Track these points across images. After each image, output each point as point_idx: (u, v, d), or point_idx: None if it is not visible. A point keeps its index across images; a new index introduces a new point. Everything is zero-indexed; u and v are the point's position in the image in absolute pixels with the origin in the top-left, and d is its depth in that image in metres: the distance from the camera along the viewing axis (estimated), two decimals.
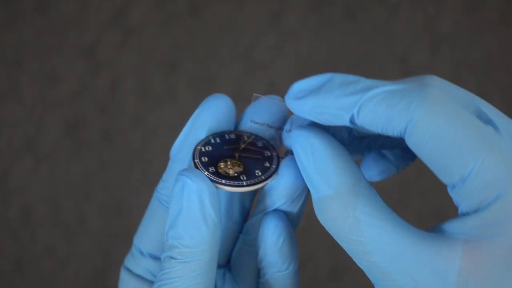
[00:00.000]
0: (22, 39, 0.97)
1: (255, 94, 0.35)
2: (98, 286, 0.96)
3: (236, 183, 0.33)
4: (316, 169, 0.31)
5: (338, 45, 0.98)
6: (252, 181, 0.33)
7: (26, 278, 0.96)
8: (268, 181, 0.33)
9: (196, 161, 0.33)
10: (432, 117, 0.28)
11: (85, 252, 0.96)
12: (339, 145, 0.31)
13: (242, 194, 0.36)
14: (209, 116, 0.35)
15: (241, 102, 1.05)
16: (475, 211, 0.28)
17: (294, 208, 0.35)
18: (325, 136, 0.31)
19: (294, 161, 0.34)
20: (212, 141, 0.35)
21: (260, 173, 0.34)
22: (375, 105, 0.29)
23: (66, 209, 0.96)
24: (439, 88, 0.29)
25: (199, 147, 0.34)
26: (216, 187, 0.32)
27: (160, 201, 0.36)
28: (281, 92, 1.03)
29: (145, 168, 0.96)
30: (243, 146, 0.35)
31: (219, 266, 0.38)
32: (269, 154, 0.35)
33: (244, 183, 0.33)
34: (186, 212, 0.32)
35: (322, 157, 0.31)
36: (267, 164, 0.34)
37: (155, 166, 0.96)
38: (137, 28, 0.97)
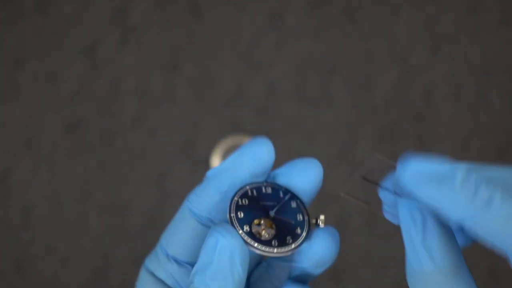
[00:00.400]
0: (22, 38, 0.97)
1: (376, 155, 0.36)
2: (98, 286, 0.96)
3: (267, 249, 0.34)
4: (424, 243, 0.31)
5: (338, 44, 0.98)
6: (282, 249, 0.34)
7: (26, 278, 0.96)
8: (297, 249, 0.35)
9: (232, 215, 0.35)
10: None
11: (85, 252, 0.96)
12: (446, 225, 0.32)
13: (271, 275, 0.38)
14: (252, 158, 0.36)
15: (241, 102, 1.06)
16: None
17: (318, 271, 0.36)
18: (433, 213, 0.32)
19: (327, 231, 0.35)
20: (249, 193, 0.35)
21: (290, 241, 0.35)
22: (493, 221, 0.29)
23: (66, 209, 0.96)
24: None
25: (236, 199, 0.35)
26: (249, 248, 0.34)
27: (191, 211, 0.36)
28: (282, 91, 1.03)
29: (145, 168, 0.95)
30: (276, 209, 0.36)
31: None
32: (301, 218, 0.36)
33: (274, 250, 0.34)
34: (216, 266, 0.33)
35: (433, 232, 0.31)
36: (298, 231, 0.35)
37: (155, 166, 0.95)
38: (137, 28, 0.97)
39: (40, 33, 0.97)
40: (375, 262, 0.95)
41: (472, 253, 0.93)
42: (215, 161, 0.96)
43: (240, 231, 0.34)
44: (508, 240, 0.29)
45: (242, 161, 0.36)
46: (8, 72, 0.97)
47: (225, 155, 0.97)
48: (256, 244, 0.34)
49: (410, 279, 0.31)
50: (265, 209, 0.35)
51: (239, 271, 0.33)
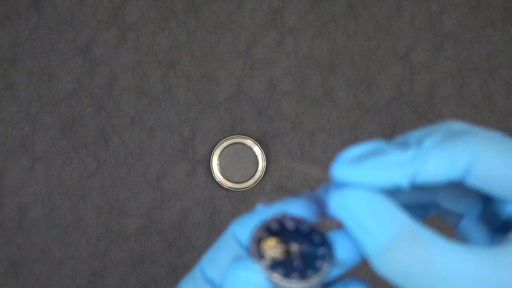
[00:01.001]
0: (17, 36, 0.97)
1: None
2: None
3: (290, 277, 0.33)
4: (372, 217, 0.30)
5: (339, 42, 0.97)
6: (305, 281, 0.33)
7: (21, 281, 0.96)
8: (322, 279, 0.33)
9: (253, 246, 0.34)
10: (490, 142, 0.30)
11: (82, 253, 0.96)
12: (383, 195, 0.32)
13: None
14: (300, 210, 0.36)
15: (241, 101, 1.05)
16: None
17: None
18: (367, 189, 0.32)
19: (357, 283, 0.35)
20: (273, 227, 0.34)
21: (314, 273, 0.33)
22: (437, 155, 0.30)
23: (62, 210, 0.96)
24: (467, 124, 0.32)
25: (261, 227, 0.34)
26: (271, 282, 0.33)
27: (235, 236, 0.36)
28: (282, 89, 1.02)
29: (143, 168, 0.95)
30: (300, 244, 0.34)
31: None
32: (325, 258, 0.34)
33: (293, 281, 0.33)
34: None
35: (377, 203, 0.31)
36: (322, 266, 0.34)
37: (152, 166, 0.95)
38: (134, 26, 0.97)
39: (35, 31, 0.96)
40: None
41: None
42: (215, 162, 0.95)
43: (263, 264, 0.33)
44: (452, 166, 0.30)
45: (292, 207, 0.35)
46: (3, 71, 0.96)
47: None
48: (275, 275, 0.33)
49: (378, 263, 0.30)
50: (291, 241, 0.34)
51: None
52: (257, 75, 0.96)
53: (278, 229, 0.34)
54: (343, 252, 0.34)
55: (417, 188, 0.34)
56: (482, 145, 0.30)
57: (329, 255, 0.33)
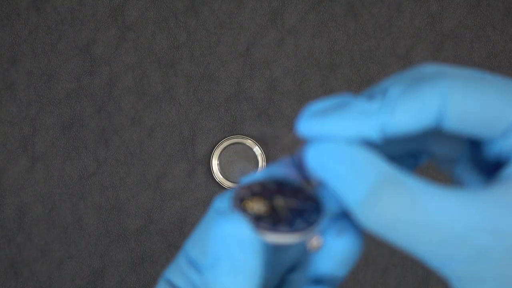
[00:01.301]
0: (17, 37, 0.97)
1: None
2: None
3: (275, 228, 0.31)
4: (348, 168, 0.29)
5: (339, 42, 0.97)
6: (292, 230, 0.31)
7: (21, 280, 0.96)
8: (313, 231, 0.31)
9: (236, 202, 0.32)
10: (460, 82, 0.29)
11: (82, 253, 0.96)
12: (361, 145, 0.31)
13: (282, 260, 0.35)
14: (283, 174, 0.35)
15: (241, 100, 1.04)
16: None
17: (342, 272, 0.34)
18: (342, 141, 0.31)
19: (348, 223, 0.33)
20: (256, 188, 0.33)
21: (303, 225, 0.32)
22: (404, 102, 0.29)
23: (62, 210, 0.96)
24: (437, 65, 0.30)
25: (245, 185, 0.32)
26: (259, 235, 0.31)
27: (218, 212, 0.35)
28: (282, 89, 1.02)
29: (142, 168, 0.95)
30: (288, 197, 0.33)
31: None
32: (314, 209, 0.33)
33: (284, 229, 0.31)
34: (225, 259, 0.31)
35: (353, 154, 0.30)
36: (311, 217, 0.32)
37: (152, 166, 0.95)
38: (134, 26, 0.97)
39: (35, 31, 0.96)
40: (377, 265, 0.95)
41: None
42: (215, 161, 0.95)
43: (247, 217, 0.31)
44: (423, 109, 0.29)
45: (274, 172, 0.34)
46: (3, 71, 0.96)
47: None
48: (264, 225, 0.31)
49: (363, 213, 0.28)
50: (276, 195, 0.33)
51: (251, 263, 0.30)
52: (257, 75, 0.96)
53: (261, 190, 0.33)
54: (331, 204, 0.33)
55: (394, 140, 0.33)
56: (452, 87, 0.29)
57: (318, 207, 0.32)
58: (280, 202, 0.32)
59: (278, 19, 0.96)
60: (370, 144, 0.31)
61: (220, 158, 0.95)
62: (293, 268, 0.36)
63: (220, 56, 0.96)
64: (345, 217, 0.33)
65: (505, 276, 0.27)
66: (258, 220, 0.31)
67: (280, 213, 0.32)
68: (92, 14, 0.97)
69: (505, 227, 0.27)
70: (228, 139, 0.95)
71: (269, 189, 0.33)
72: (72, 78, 0.96)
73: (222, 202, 0.34)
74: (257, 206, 0.32)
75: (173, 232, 0.96)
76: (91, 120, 0.96)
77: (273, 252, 0.35)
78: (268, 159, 0.96)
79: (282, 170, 0.33)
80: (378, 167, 0.29)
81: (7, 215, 0.96)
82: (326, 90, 0.97)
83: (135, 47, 0.96)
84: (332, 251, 0.33)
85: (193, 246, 0.35)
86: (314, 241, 0.31)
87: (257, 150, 0.95)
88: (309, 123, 0.30)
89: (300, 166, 0.33)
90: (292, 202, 0.32)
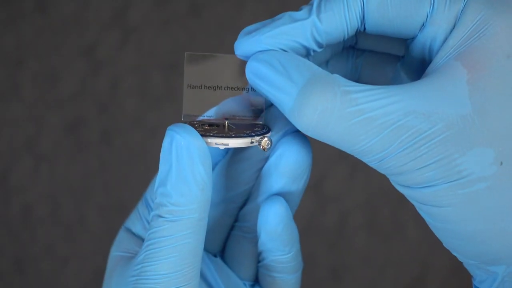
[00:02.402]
0: (22, 39, 0.97)
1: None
2: (98, 286, 0.96)
3: (224, 135, 0.32)
4: (282, 71, 0.30)
5: None
6: (241, 134, 0.32)
7: (26, 278, 0.96)
8: (257, 138, 0.32)
9: (185, 121, 0.33)
10: None
11: (85, 252, 0.96)
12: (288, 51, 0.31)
13: (242, 172, 0.35)
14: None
15: None
16: (452, 28, 0.29)
17: (296, 187, 0.34)
18: (273, 49, 0.31)
19: (294, 137, 0.33)
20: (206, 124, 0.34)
21: (248, 131, 0.33)
22: (327, 6, 0.30)
23: (66, 209, 0.96)
24: None
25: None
26: (207, 143, 0.31)
27: None
28: None
29: (145, 168, 0.95)
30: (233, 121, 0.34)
31: (213, 255, 0.37)
32: (255, 125, 0.34)
33: (233, 134, 0.32)
34: (176, 169, 0.31)
35: (284, 58, 0.30)
36: (256, 128, 0.34)
37: (155, 166, 0.95)
38: (137, 28, 0.97)
39: (40, 34, 0.97)
40: (375, 262, 0.95)
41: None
42: None
43: (197, 127, 0.32)
44: (347, 12, 0.30)
45: (225, 108, 0.35)
46: (8, 72, 0.97)
47: None
48: (212, 134, 0.32)
49: (297, 108, 0.29)
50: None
51: (201, 172, 0.30)
52: None
53: (212, 123, 0.33)
54: (290, 150, 0.33)
55: (329, 45, 0.33)
56: None
57: (264, 127, 0.33)
58: (228, 122, 0.33)
59: None
60: (308, 53, 0.32)
61: None
62: (246, 201, 0.37)
63: None
64: (289, 134, 0.34)
65: (442, 158, 0.28)
66: (207, 131, 0.32)
67: (228, 129, 0.33)
68: (95, 16, 0.97)
69: (437, 110, 0.28)
70: None
71: (218, 122, 0.34)
72: (76, 79, 0.97)
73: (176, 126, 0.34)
74: (208, 126, 0.33)
75: None
76: (94, 121, 0.96)
77: (225, 170, 0.35)
78: None
79: (234, 105, 0.34)
80: (308, 69, 0.29)
81: (12, 214, 0.96)
82: None
83: (138, 49, 0.97)
84: (281, 166, 0.34)
85: (150, 190, 0.36)
86: (264, 143, 0.32)
87: None
88: (244, 42, 0.31)
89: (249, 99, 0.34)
90: (238, 124, 0.33)
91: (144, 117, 0.96)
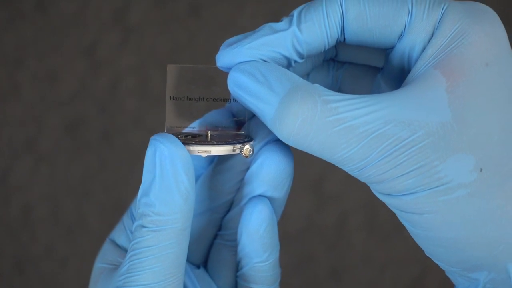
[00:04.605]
0: (22, 39, 0.97)
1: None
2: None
3: (206, 142, 0.32)
4: (264, 80, 0.30)
5: None
6: (222, 142, 0.32)
7: (26, 278, 0.96)
8: (239, 145, 0.32)
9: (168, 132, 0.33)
10: None
11: (85, 252, 0.96)
12: (267, 61, 0.31)
13: (225, 182, 0.35)
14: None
15: None
16: (431, 37, 0.30)
17: (278, 194, 0.34)
18: (254, 60, 0.31)
19: (275, 146, 0.34)
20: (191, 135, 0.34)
21: (230, 140, 0.33)
22: (307, 17, 0.30)
23: (66, 209, 0.96)
24: None
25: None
26: (189, 152, 0.31)
27: None
28: None
29: None
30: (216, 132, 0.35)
31: (196, 266, 0.37)
32: (237, 136, 0.34)
33: (215, 142, 0.32)
34: (159, 178, 0.31)
35: (263, 69, 0.30)
36: (238, 137, 0.34)
37: None
38: (137, 28, 0.97)
39: (40, 33, 0.97)
40: (375, 262, 0.95)
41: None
42: None
43: (179, 136, 0.32)
44: (327, 23, 0.30)
45: (209, 119, 0.35)
46: (8, 72, 0.97)
47: None
48: (194, 142, 0.32)
49: (280, 118, 0.29)
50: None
51: (184, 181, 0.31)
52: None
53: (196, 134, 0.34)
54: (271, 158, 0.33)
55: (310, 55, 0.33)
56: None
57: (246, 136, 0.33)
58: (211, 132, 0.34)
59: (278, 21, 0.97)
60: (289, 64, 0.32)
61: None
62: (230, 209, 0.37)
63: None
64: (271, 143, 0.34)
65: (422, 166, 0.28)
66: (189, 140, 0.32)
67: (210, 138, 0.33)
68: (95, 16, 0.97)
69: (416, 118, 0.28)
70: None
71: (201, 133, 0.34)
72: (76, 79, 0.97)
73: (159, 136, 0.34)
74: (191, 137, 0.33)
75: None
76: (94, 121, 0.96)
77: (208, 181, 0.36)
78: None
79: (217, 117, 0.34)
80: (289, 79, 0.29)
81: (12, 214, 0.96)
82: None
83: (138, 49, 0.97)
84: (262, 174, 0.34)
85: (135, 202, 0.36)
86: (246, 150, 0.32)
87: None
88: (224, 53, 0.32)
89: (232, 112, 0.35)
90: (220, 134, 0.34)
91: (144, 117, 0.96)
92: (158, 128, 0.97)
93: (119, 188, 0.96)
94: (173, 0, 0.98)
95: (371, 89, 0.35)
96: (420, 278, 0.95)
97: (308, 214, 0.95)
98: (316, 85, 0.29)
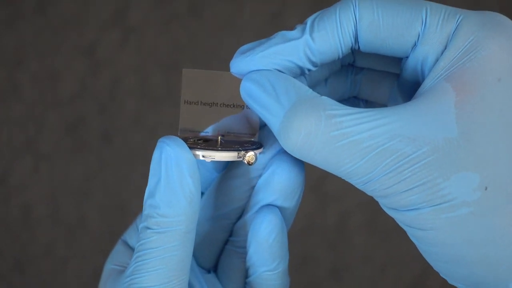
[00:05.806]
0: (22, 39, 0.97)
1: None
2: (98, 286, 0.96)
3: (212, 147, 0.32)
4: (272, 91, 0.30)
5: None
6: (228, 148, 0.33)
7: (26, 278, 0.96)
8: (243, 152, 0.33)
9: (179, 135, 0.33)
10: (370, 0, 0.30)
11: (85, 252, 0.96)
12: (278, 71, 0.31)
13: (235, 189, 0.36)
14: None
15: None
16: (444, 49, 0.29)
17: (289, 204, 0.34)
18: (266, 69, 0.31)
19: (287, 155, 0.34)
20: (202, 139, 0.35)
21: (237, 146, 0.33)
22: (320, 26, 0.30)
23: (66, 209, 0.96)
24: None
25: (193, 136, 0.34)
26: (194, 156, 0.32)
27: None
28: None
29: (145, 168, 0.96)
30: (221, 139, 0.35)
31: (207, 271, 0.37)
32: (248, 142, 0.35)
33: (220, 148, 0.32)
34: (165, 180, 0.31)
35: (273, 80, 0.30)
36: (247, 144, 0.34)
37: None
38: (137, 28, 0.97)
39: (40, 34, 0.97)
40: (375, 262, 0.95)
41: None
42: None
43: (190, 140, 0.32)
44: (340, 30, 0.30)
45: (223, 125, 0.35)
46: (8, 73, 0.97)
47: None
48: (199, 146, 0.32)
49: (284, 130, 0.29)
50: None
51: (190, 184, 0.31)
52: None
53: (207, 138, 0.34)
54: (282, 168, 0.33)
55: (323, 64, 0.33)
56: (362, 4, 0.30)
57: (256, 144, 0.34)
58: (220, 138, 0.34)
59: (278, 21, 0.97)
60: (303, 72, 0.32)
61: None
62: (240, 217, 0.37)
63: (221, 57, 0.97)
64: (283, 152, 0.34)
65: (426, 182, 0.28)
66: (196, 145, 0.32)
67: (220, 144, 0.33)
68: (95, 16, 0.97)
69: (422, 133, 0.28)
70: None
71: (213, 138, 0.34)
72: (76, 79, 0.97)
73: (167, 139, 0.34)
74: (199, 141, 0.33)
75: None
76: (94, 121, 0.96)
77: (220, 186, 0.36)
78: None
79: (232, 122, 0.35)
80: (296, 92, 0.29)
81: (12, 213, 0.96)
82: None
83: (138, 49, 0.97)
84: (273, 183, 0.34)
85: None
86: (248, 157, 0.32)
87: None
88: (237, 61, 0.31)
89: (247, 118, 0.35)
90: (231, 140, 0.34)
91: (144, 117, 0.96)
92: (158, 128, 0.97)
93: (119, 188, 0.96)
94: (173, 0, 0.98)
95: (389, 95, 0.35)
96: (420, 278, 0.95)
97: (308, 213, 0.95)
98: (324, 97, 0.29)
